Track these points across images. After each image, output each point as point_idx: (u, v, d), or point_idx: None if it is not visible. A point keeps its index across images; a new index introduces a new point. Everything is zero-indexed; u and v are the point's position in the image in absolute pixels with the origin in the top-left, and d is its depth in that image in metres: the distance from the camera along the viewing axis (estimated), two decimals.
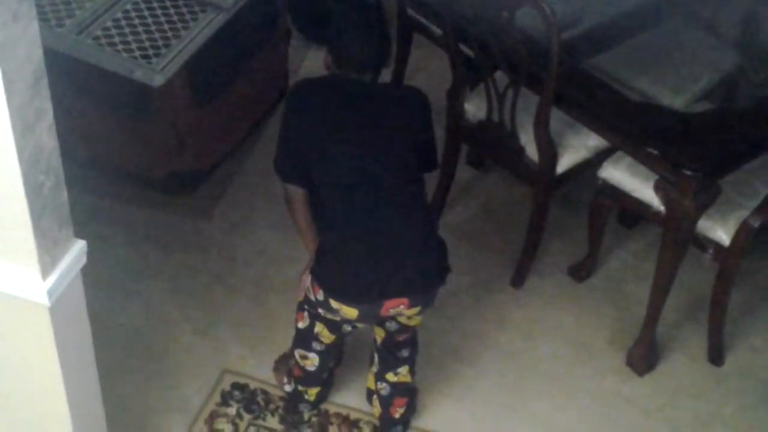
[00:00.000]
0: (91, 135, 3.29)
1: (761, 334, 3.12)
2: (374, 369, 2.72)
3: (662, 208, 2.77)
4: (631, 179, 2.87)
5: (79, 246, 2.03)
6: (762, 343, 3.10)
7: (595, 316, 3.15)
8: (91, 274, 2.15)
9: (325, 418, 2.83)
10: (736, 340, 3.09)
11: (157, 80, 3.06)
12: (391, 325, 2.56)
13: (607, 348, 3.05)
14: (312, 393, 2.78)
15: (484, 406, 2.89)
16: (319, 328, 2.58)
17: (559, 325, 3.12)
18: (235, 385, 2.89)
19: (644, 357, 2.98)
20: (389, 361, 2.68)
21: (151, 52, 3.11)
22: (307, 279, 2.50)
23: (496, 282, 3.22)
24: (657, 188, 2.76)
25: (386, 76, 3.67)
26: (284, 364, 2.83)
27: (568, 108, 2.89)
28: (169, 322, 3.04)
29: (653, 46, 3.17)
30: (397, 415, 2.75)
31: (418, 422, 2.83)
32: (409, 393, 2.75)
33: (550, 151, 2.94)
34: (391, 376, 2.69)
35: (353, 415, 2.84)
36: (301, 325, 2.63)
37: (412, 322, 2.56)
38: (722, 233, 2.79)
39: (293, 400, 2.81)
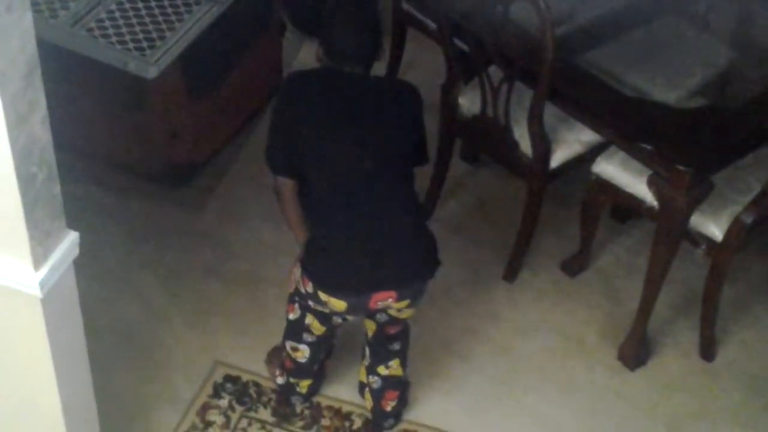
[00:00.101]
0: (84, 127, 3.28)
1: (753, 330, 3.13)
2: (366, 362, 2.73)
3: (655, 204, 2.78)
4: (625, 174, 2.88)
5: (71, 237, 2.03)
6: (753, 339, 3.11)
7: (587, 311, 3.15)
8: (83, 265, 2.15)
9: (317, 411, 2.83)
10: (728, 336, 3.10)
11: (151, 72, 3.05)
12: (382, 317, 2.56)
13: (598, 342, 3.06)
14: (304, 385, 2.78)
15: (475, 399, 2.90)
16: (309, 319, 2.58)
17: (551, 319, 3.12)
18: (228, 378, 2.89)
19: (636, 352, 2.99)
20: (381, 354, 2.68)
21: (145, 44, 3.10)
22: (297, 271, 2.51)
23: (489, 276, 3.23)
24: (650, 183, 2.76)
25: (380, 69, 3.68)
26: (276, 356, 2.84)
27: (562, 103, 2.90)
28: (162, 313, 3.04)
29: (647, 41, 3.17)
30: (388, 408, 2.76)
31: (409, 415, 2.83)
32: (400, 386, 2.76)
33: (543, 145, 2.94)
34: (382, 369, 2.70)
35: (345, 408, 2.85)
36: (292, 316, 2.63)
37: (402, 315, 2.56)
38: (715, 229, 2.80)
39: (285, 392, 2.82)
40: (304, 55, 3.91)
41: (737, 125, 2.82)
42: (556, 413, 2.88)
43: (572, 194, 3.30)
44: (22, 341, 2.11)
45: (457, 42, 3.01)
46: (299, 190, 2.48)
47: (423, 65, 3.82)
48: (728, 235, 2.79)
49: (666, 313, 3.13)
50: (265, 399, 2.85)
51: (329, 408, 2.84)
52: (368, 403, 2.78)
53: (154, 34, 3.14)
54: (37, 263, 1.95)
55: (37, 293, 1.98)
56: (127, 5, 3.21)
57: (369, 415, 2.80)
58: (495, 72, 2.93)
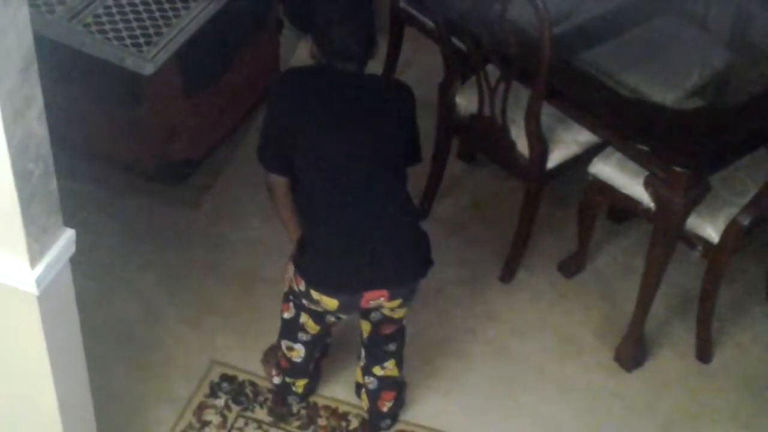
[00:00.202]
0: (81, 123, 3.27)
1: (749, 332, 3.13)
2: (361, 363, 2.72)
3: (652, 205, 2.78)
4: (621, 175, 2.87)
5: (68, 235, 2.02)
6: (750, 341, 3.11)
7: (583, 312, 3.15)
8: (79, 263, 2.14)
9: (313, 411, 2.83)
10: (724, 337, 3.10)
11: (148, 69, 3.04)
12: (376, 316, 2.56)
13: (595, 343, 3.06)
14: (300, 385, 2.77)
15: (472, 400, 2.90)
16: (304, 318, 2.57)
17: (547, 320, 3.12)
18: (224, 377, 2.89)
19: (632, 353, 2.99)
20: (376, 355, 2.68)
21: (142, 40, 3.09)
22: (291, 269, 2.50)
23: (486, 276, 3.22)
24: (647, 184, 2.76)
25: (378, 68, 3.68)
26: (273, 356, 2.83)
27: (559, 103, 2.89)
28: (158, 312, 3.04)
29: (645, 41, 3.17)
30: (385, 409, 2.75)
31: (406, 416, 2.83)
32: (397, 387, 2.75)
33: (540, 146, 2.94)
34: (378, 370, 2.69)
35: (342, 408, 2.84)
36: (286, 315, 2.62)
37: (395, 315, 2.56)
38: (711, 230, 2.80)
39: (282, 392, 2.81)
40: (301, 52, 3.90)
41: (734, 126, 2.82)
42: (554, 414, 2.88)
43: (569, 195, 3.30)
44: (19, 339, 2.10)
45: (455, 41, 3.00)
46: (292, 188, 2.48)
47: (420, 64, 3.81)
48: (725, 236, 2.79)
49: (663, 315, 3.13)
50: (261, 399, 2.85)
51: (326, 408, 2.84)
52: (365, 403, 2.77)
53: (151, 31, 3.13)
54: (34, 260, 1.94)
55: (34, 291, 1.97)
56: (125, 1, 3.20)
57: (366, 415, 2.80)
58: (492, 71, 2.93)
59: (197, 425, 2.77)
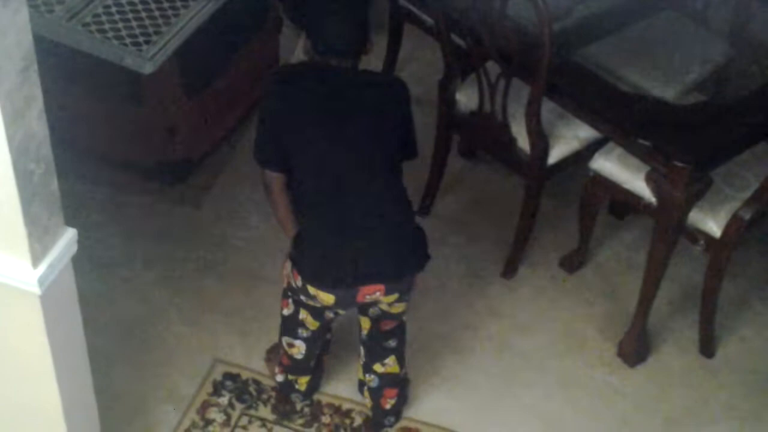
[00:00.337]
0: (81, 123, 3.27)
1: (752, 326, 3.13)
2: (362, 360, 2.72)
3: (653, 200, 2.78)
4: (623, 170, 2.87)
5: (69, 234, 2.02)
6: (752, 335, 3.11)
7: (586, 307, 3.15)
8: (81, 262, 2.14)
9: (317, 408, 2.83)
10: (727, 332, 3.09)
11: (148, 68, 3.04)
12: (375, 311, 2.56)
13: (598, 339, 3.06)
14: (302, 382, 2.77)
15: (474, 396, 2.89)
16: (303, 314, 2.57)
17: (549, 315, 3.12)
18: (227, 375, 2.89)
19: (635, 348, 2.99)
20: (376, 352, 2.68)
21: (141, 39, 3.09)
22: (288, 265, 2.50)
23: (487, 272, 3.22)
24: (648, 180, 2.76)
25: (377, 65, 3.68)
26: (275, 354, 2.83)
27: (560, 99, 2.89)
28: (160, 311, 3.04)
29: (645, 37, 3.17)
30: (388, 406, 2.75)
31: (408, 412, 2.83)
32: (399, 384, 2.75)
33: (541, 141, 2.94)
34: (378, 367, 2.69)
35: (345, 405, 2.84)
36: (286, 312, 2.63)
37: (394, 310, 2.56)
38: (713, 225, 2.80)
39: (285, 390, 2.81)
40: (301, 50, 3.90)
41: (735, 121, 2.82)
42: (556, 409, 2.88)
43: (570, 190, 3.30)
44: (22, 339, 2.11)
45: (455, 38, 3.00)
46: (288, 184, 2.47)
47: (420, 61, 3.81)
48: (727, 231, 2.78)
49: (665, 310, 3.13)
50: (265, 397, 2.85)
51: (329, 405, 2.84)
52: (368, 401, 2.77)
53: (151, 30, 3.12)
54: (36, 260, 1.95)
55: (36, 290, 1.97)
56: (124, 0, 3.19)
57: (369, 412, 2.80)
58: (492, 68, 2.92)
59: (201, 424, 2.77)
